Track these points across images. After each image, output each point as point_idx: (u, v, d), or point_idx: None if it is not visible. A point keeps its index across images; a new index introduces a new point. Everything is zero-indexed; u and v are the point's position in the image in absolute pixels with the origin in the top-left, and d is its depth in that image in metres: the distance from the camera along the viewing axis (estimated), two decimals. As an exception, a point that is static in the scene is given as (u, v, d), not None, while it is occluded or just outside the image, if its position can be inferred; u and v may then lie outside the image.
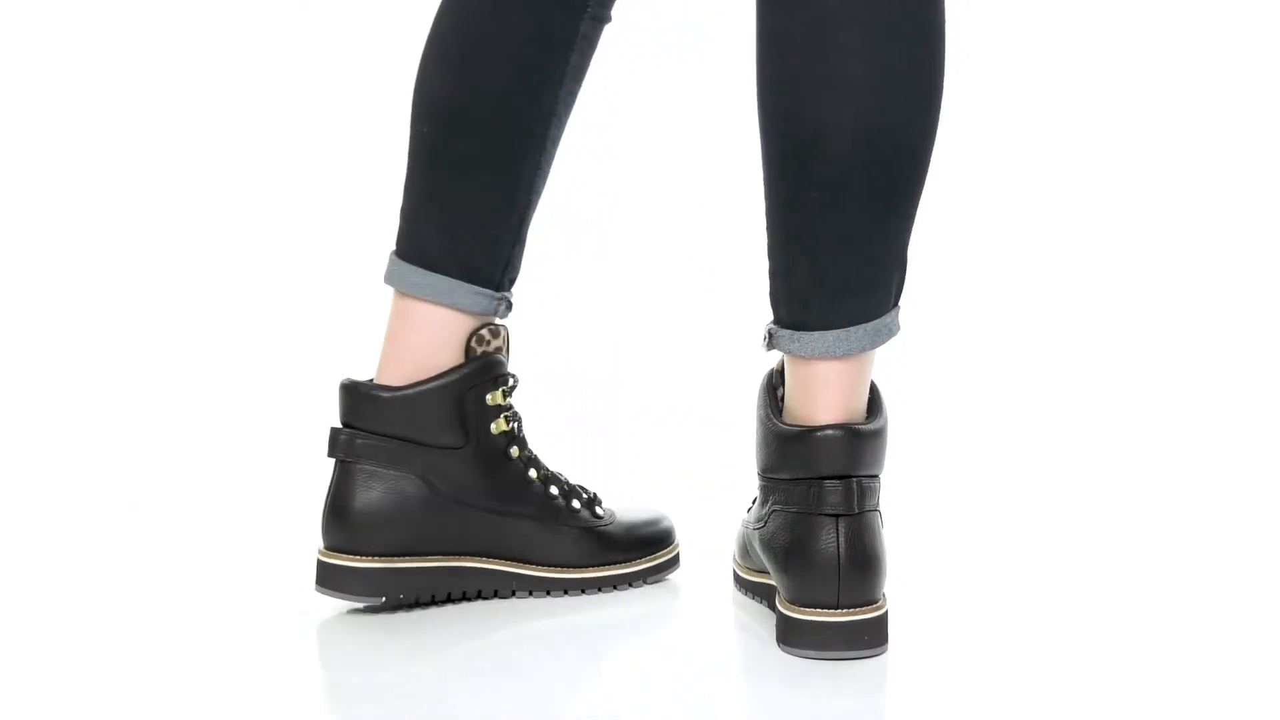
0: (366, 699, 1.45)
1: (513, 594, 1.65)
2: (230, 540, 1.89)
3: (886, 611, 1.48)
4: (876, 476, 1.48)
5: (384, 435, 1.59)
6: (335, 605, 1.64)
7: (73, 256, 2.70)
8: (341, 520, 1.59)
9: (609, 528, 1.68)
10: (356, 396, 1.60)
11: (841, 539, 1.45)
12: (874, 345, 1.49)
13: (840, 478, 1.46)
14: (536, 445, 1.69)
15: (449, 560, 1.62)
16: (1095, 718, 1.38)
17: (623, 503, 1.72)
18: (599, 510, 1.68)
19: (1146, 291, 2.67)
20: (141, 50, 2.77)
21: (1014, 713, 1.40)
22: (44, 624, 1.62)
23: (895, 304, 1.51)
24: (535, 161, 1.60)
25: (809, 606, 1.46)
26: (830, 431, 1.46)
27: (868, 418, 1.50)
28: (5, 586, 1.75)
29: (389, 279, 1.62)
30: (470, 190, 1.59)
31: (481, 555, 1.63)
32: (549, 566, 1.65)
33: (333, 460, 1.61)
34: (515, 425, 1.65)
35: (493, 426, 1.62)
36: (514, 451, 1.64)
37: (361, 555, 1.59)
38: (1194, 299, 2.65)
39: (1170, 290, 2.67)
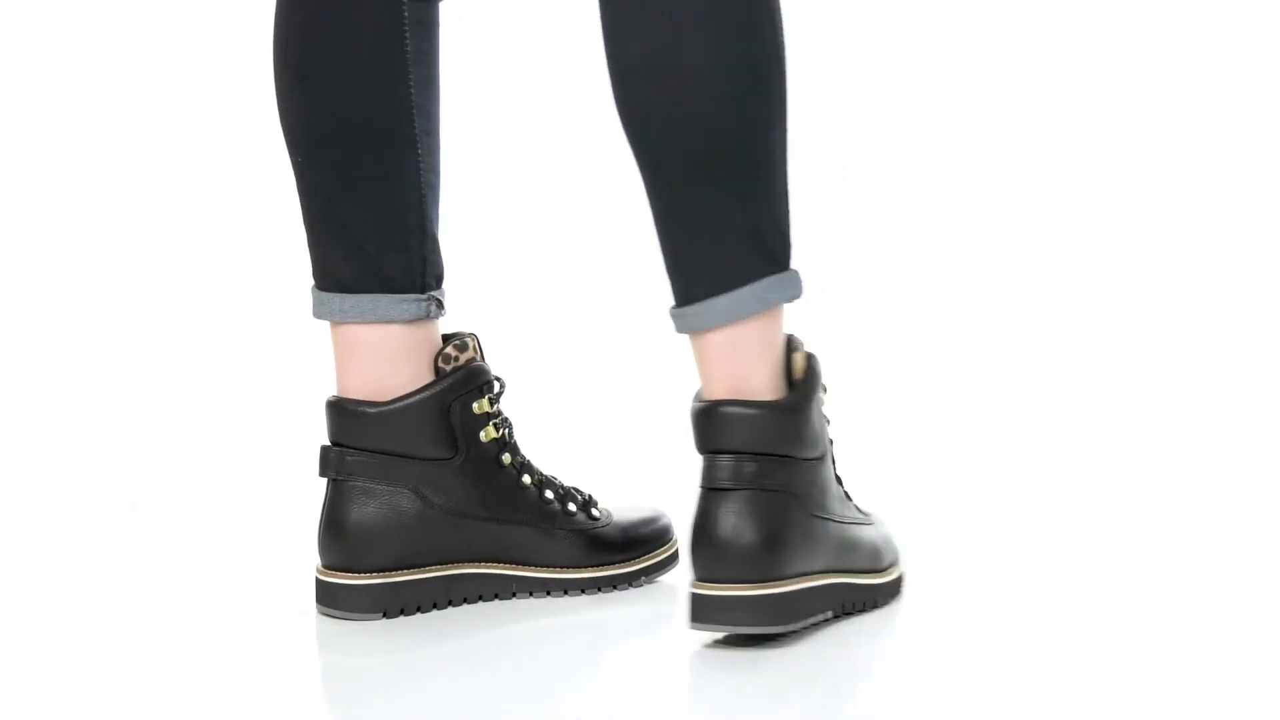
0: (365, 698, 1.45)
1: (513, 595, 1.65)
2: (229, 540, 1.90)
3: (782, 593, 1.47)
4: (781, 456, 1.47)
5: (374, 451, 1.59)
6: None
7: (74, 260, 2.70)
8: (338, 538, 1.60)
9: (605, 529, 1.68)
10: (343, 414, 1.60)
11: (725, 514, 1.46)
12: (737, 317, 1.47)
13: (729, 453, 1.46)
14: (529, 449, 1.69)
15: (447, 569, 1.62)
16: (1094, 716, 1.38)
17: (619, 503, 1.72)
18: (595, 512, 1.68)
19: (1150, 288, 2.67)
20: (144, 49, 2.77)
21: (1014, 712, 1.40)
22: (44, 624, 1.63)
23: (758, 276, 1.48)
24: (413, 158, 1.59)
25: (700, 581, 1.48)
26: (699, 405, 1.49)
27: (780, 395, 1.49)
28: (5, 587, 1.75)
29: (316, 313, 1.62)
30: (358, 207, 1.59)
31: (480, 561, 1.63)
32: (548, 568, 1.65)
33: (325, 479, 1.61)
34: (505, 432, 1.65)
35: (482, 435, 1.63)
36: (505, 458, 1.64)
37: (359, 572, 1.60)
38: (1193, 297, 2.66)
39: (1170, 290, 2.67)
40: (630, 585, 1.68)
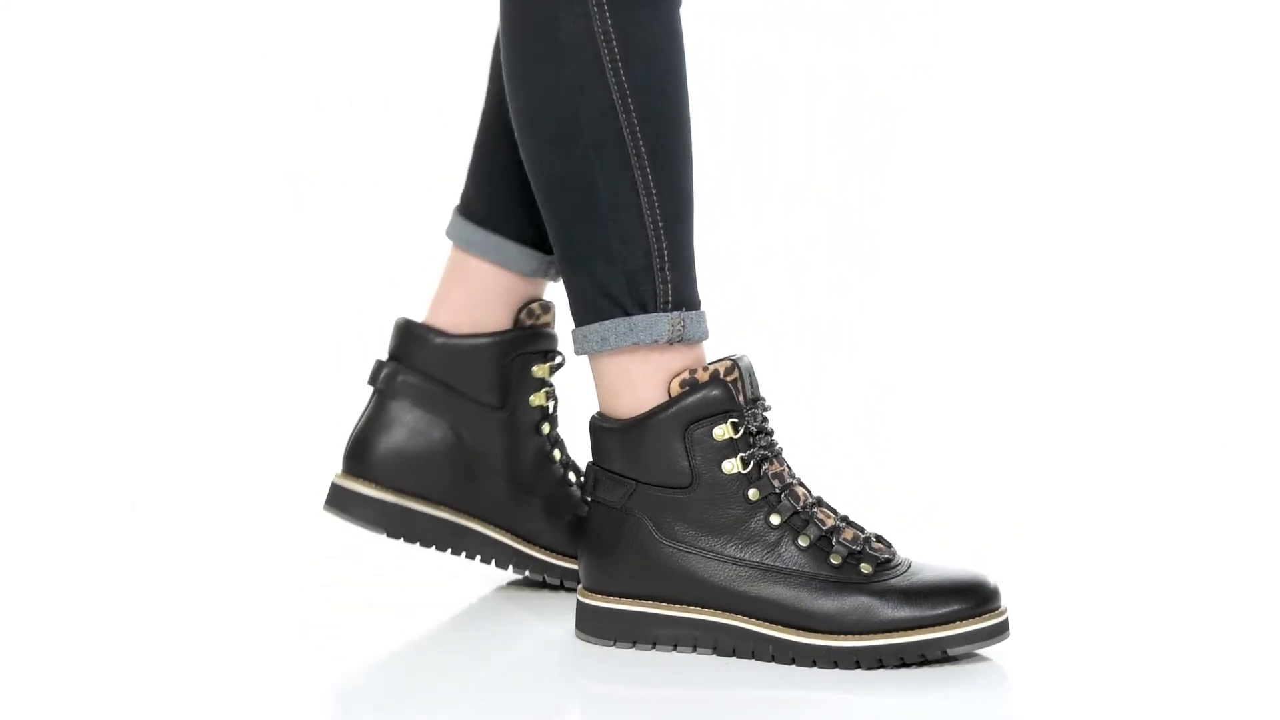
0: (363, 697, 1.45)
1: (508, 569, 1.65)
2: (229, 540, 1.90)
3: (600, 606, 1.52)
4: (617, 475, 1.52)
5: (427, 376, 1.62)
6: (332, 605, 1.65)
7: (73, 257, 2.70)
8: (365, 449, 1.62)
9: None
10: (410, 335, 1.63)
11: (587, 521, 1.55)
12: (584, 351, 1.53)
13: (592, 464, 1.55)
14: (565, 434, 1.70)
15: (458, 516, 1.63)
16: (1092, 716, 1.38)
17: None
18: None
19: (1151, 289, 2.67)
20: (150, 49, 2.77)
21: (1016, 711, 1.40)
22: (44, 623, 1.63)
23: (600, 317, 1.52)
24: None
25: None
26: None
27: (624, 418, 1.53)
28: (5, 587, 1.75)
29: (448, 232, 1.67)
30: (514, 152, 1.61)
31: (489, 523, 1.64)
32: (552, 553, 1.65)
33: (370, 390, 1.64)
34: (552, 404, 1.67)
35: (531, 398, 1.65)
36: (544, 428, 1.66)
37: (377, 485, 1.61)
38: (1194, 299, 2.66)
39: (1170, 289, 2.67)
40: None
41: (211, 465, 2.22)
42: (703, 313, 1.54)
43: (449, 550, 1.64)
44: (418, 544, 1.62)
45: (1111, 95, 2.77)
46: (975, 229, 2.73)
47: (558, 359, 1.67)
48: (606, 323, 1.52)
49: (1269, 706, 1.40)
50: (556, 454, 1.67)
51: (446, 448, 1.62)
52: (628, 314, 1.52)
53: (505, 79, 1.54)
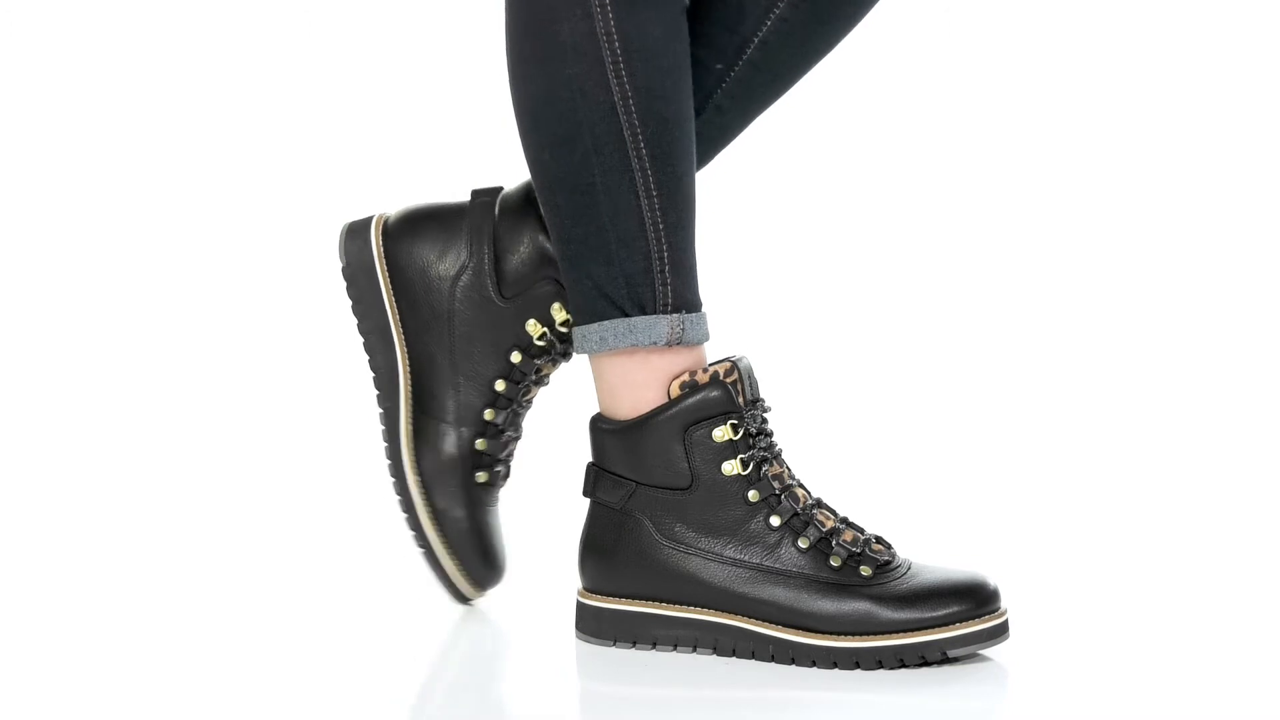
0: (362, 697, 1.45)
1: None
2: (229, 541, 1.90)
3: (599, 606, 1.53)
4: (616, 475, 1.53)
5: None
6: (330, 605, 1.66)
7: (73, 258, 2.70)
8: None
9: None
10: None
11: (585, 521, 1.56)
12: (584, 350, 1.54)
13: (591, 464, 1.55)
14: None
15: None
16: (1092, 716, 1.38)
17: None
18: None
19: (1150, 290, 2.67)
20: (163, 49, 2.77)
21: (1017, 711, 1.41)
22: (43, 624, 1.63)
23: (600, 318, 1.52)
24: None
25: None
26: None
27: (624, 419, 1.53)
28: (6, 587, 1.75)
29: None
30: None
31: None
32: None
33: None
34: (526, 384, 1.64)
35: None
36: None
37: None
38: (1192, 298, 2.66)
39: (1171, 291, 2.67)
40: None
41: (211, 465, 2.22)
42: (703, 315, 1.53)
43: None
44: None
45: (1111, 95, 2.77)
46: (976, 231, 2.72)
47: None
48: (605, 323, 1.52)
49: (1269, 707, 1.40)
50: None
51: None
52: (626, 315, 1.52)
53: (508, 77, 1.53)
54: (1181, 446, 2.26)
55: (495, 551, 1.63)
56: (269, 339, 2.59)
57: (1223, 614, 1.62)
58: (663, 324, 1.51)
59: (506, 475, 1.65)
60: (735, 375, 1.52)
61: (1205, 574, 1.76)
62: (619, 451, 1.53)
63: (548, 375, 1.65)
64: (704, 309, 1.54)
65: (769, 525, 1.50)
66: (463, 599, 1.63)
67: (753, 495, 1.50)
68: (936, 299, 2.67)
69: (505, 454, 1.64)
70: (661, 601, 1.52)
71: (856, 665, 1.46)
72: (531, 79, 1.51)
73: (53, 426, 2.37)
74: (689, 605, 1.51)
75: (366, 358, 1.64)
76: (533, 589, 1.69)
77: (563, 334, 1.62)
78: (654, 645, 1.52)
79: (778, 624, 1.48)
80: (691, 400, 1.51)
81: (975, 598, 1.46)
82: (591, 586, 1.54)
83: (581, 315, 1.54)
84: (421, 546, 1.62)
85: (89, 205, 2.73)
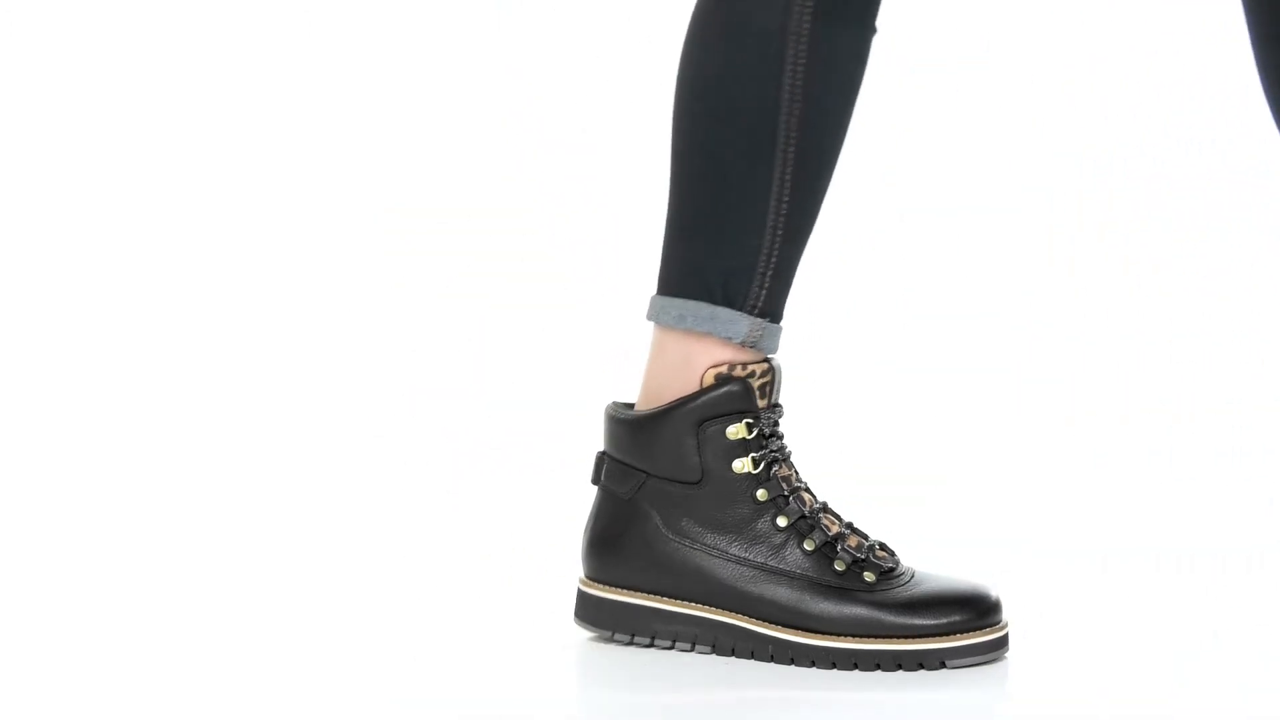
0: (361, 696, 1.45)
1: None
2: (228, 540, 1.90)
3: (597, 596, 1.53)
4: (626, 465, 1.53)
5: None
6: (329, 605, 1.65)
7: (74, 259, 2.69)
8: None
9: None
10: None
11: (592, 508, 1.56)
12: (656, 319, 1.52)
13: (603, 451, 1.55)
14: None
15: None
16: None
17: None
18: None
19: (1152, 296, 2.66)
20: (146, 50, 2.77)
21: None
22: (43, 623, 1.63)
23: (690, 297, 1.51)
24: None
25: None
26: None
27: (654, 406, 1.52)
28: (6, 587, 1.75)
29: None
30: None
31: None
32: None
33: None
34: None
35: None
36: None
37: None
38: (1192, 300, 2.64)
39: (1171, 293, 2.65)
40: None
41: (211, 466, 2.22)
42: (780, 328, 1.53)
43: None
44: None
45: (1112, 95, 2.77)
46: (977, 232, 2.71)
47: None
48: (690, 302, 1.51)
49: (1269, 708, 1.40)
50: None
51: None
52: (713, 303, 1.51)
53: (685, 38, 1.51)
54: (1184, 455, 2.24)
55: None
56: (269, 339, 2.59)
57: (1223, 617, 1.63)
58: (744, 323, 1.51)
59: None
60: (770, 377, 1.53)
61: (1206, 578, 1.76)
62: (632, 441, 1.53)
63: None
64: (782, 324, 1.54)
65: (776, 525, 1.51)
66: None
67: (761, 494, 1.51)
68: (937, 301, 2.66)
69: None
70: (664, 595, 1.52)
71: (855, 666, 1.46)
72: (710, 49, 1.50)
73: (53, 426, 2.36)
74: (691, 601, 1.51)
75: None
76: (532, 579, 1.69)
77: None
78: (653, 639, 1.52)
79: (778, 624, 1.49)
80: (712, 394, 1.51)
81: (976, 608, 1.47)
82: (593, 575, 1.54)
83: (669, 287, 1.52)
84: None
85: (89, 205, 2.73)
